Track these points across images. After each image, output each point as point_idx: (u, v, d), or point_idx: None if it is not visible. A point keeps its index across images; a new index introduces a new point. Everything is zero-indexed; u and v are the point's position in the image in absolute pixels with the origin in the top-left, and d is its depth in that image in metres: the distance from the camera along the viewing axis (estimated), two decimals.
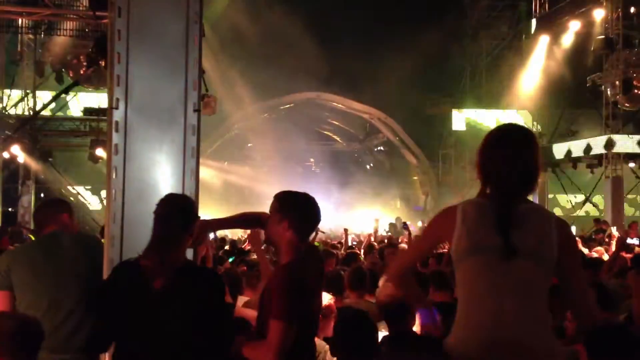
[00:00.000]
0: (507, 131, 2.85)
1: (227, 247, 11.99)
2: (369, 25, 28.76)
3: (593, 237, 15.62)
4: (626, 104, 21.98)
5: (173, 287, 3.23)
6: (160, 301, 3.20)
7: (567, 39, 23.96)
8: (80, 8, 11.88)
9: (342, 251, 10.57)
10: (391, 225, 24.09)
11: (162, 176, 4.26)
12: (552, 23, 24.35)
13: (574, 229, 17.19)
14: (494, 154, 2.74)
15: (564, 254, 2.67)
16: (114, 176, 4.15)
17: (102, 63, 5.08)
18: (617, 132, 21.29)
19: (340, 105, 34.08)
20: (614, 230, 12.65)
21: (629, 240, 11.08)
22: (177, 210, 3.44)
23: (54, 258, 3.93)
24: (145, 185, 4.19)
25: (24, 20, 17.02)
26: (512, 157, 2.70)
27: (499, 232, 2.61)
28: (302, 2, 26.65)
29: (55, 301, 3.77)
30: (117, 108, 4.17)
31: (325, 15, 28.05)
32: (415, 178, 35.09)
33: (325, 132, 41.67)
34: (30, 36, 21.50)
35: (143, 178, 4.22)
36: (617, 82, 21.35)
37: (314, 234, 3.69)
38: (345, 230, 13.67)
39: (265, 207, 3.81)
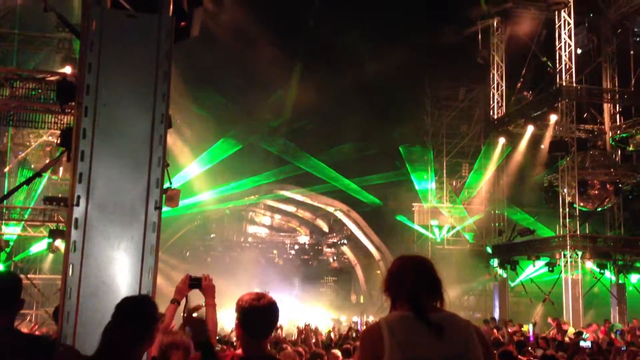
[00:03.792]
0: (414, 256, 3.09)
1: None
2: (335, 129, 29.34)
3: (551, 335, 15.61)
4: (582, 204, 22.63)
5: None
6: None
7: (524, 141, 24.83)
8: (45, 99, 11.95)
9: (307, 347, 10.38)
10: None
11: (120, 274, 4.23)
12: (508, 125, 25.29)
13: (530, 328, 17.27)
14: (404, 274, 2.97)
15: (487, 356, 2.85)
16: (70, 273, 4.10)
17: (65, 158, 5.11)
18: (574, 232, 21.75)
19: (304, 198, 34.34)
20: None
21: (582, 344, 11.12)
22: (132, 319, 3.22)
23: None
24: (101, 283, 4.16)
25: None
26: (420, 274, 2.95)
27: (433, 342, 2.75)
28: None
29: None
30: (77, 205, 4.19)
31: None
32: (379, 272, 35.05)
33: (289, 224, 41.75)
34: None
35: (99, 275, 4.18)
36: (572, 183, 22.04)
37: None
38: (307, 325, 13.48)
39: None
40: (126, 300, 3.37)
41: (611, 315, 22.24)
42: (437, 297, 2.94)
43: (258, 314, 3.22)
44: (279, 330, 15.50)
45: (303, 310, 32.50)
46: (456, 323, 2.85)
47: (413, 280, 2.92)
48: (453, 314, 2.91)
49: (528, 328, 17.15)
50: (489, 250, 26.19)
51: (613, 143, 24.91)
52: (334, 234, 39.70)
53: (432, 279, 2.97)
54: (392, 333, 2.76)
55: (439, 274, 3.00)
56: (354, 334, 13.64)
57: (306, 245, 41.19)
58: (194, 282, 4.51)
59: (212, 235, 37.35)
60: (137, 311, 3.28)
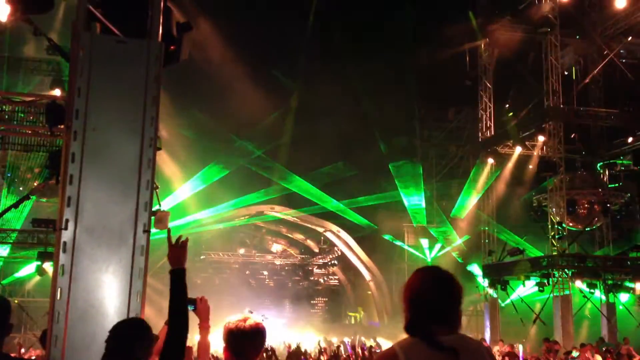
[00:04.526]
0: (434, 270, 2.97)
1: None
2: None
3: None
4: (570, 224, 22.77)
5: None
6: None
7: (512, 162, 25.01)
8: (35, 122, 11.97)
9: None
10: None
11: (108, 297, 4.24)
12: (497, 146, 25.47)
13: (521, 348, 17.30)
14: (422, 288, 2.85)
15: None
16: (58, 297, 4.11)
17: (54, 181, 5.14)
18: (564, 251, 21.87)
19: (294, 219, 34.32)
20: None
21: None
22: (128, 341, 3.26)
23: None
24: (90, 307, 4.16)
25: None
26: (439, 291, 2.83)
27: None
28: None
29: None
30: (66, 229, 4.21)
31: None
32: (370, 292, 34.98)
33: (280, 245, 41.70)
34: None
35: (88, 299, 4.19)
36: (561, 203, 22.20)
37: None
38: (298, 346, 13.48)
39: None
40: (121, 323, 3.42)
41: (602, 335, 22.26)
42: (455, 317, 2.85)
43: (245, 336, 3.25)
44: (270, 353, 15.46)
45: (293, 331, 32.36)
46: (469, 345, 2.81)
47: (434, 299, 2.83)
48: (464, 336, 2.86)
49: (519, 348, 17.17)
50: (475, 269, 26.28)
51: (601, 164, 25.14)
52: (324, 255, 39.66)
53: (453, 297, 2.86)
54: (408, 358, 2.71)
55: (461, 290, 2.89)
56: (342, 352, 13.61)
57: (296, 266, 41.11)
58: (188, 303, 4.52)
59: (202, 257, 37.20)
60: (132, 333, 3.32)
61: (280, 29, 26.23)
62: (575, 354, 14.00)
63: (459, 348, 2.74)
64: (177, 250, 3.57)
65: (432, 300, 2.83)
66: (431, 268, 3.00)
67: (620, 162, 25.07)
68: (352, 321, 37.91)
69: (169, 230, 3.85)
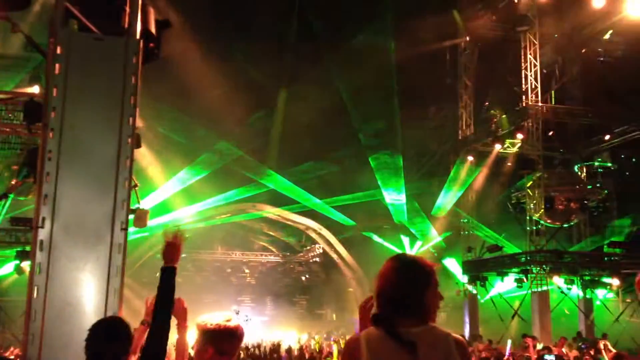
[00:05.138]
0: (408, 261, 2.91)
1: None
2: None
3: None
4: (548, 221, 23.02)
5: None
6: None
7: (491, 159, 25.20)
8: (13, 119, 11.85)
9: None
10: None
11: (85, 295, 4.24)
12: (476, 144, 25.66)
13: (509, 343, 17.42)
14: (396, 280, 2.81)
15: None
16: (34, 295, 4.10)
17: (32, 179, 5.11)
18: (542, 248, 22.11)
19: (276, 217, 34.31)
20: None
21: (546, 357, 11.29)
22: (108, 339, 3.26)
23: None
24: (67, 305, 4.16)
25: None
26: (406, 282, 2.79)
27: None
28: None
29: None
30: (42, 227, 4.20)
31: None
32: (351, 290, 35.08)
33: (261, 243, 41.64)
34: None
35: (65, 297, 4.19)
36: (539, 200, 22.43)
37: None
38: (278, 343, 13.51)
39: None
40: (101, 322, 3.42)
41: (579, 330, 22.54)
42: (422, 308, 2.77)
43: (232, 335, 3.34)
44: (253, 350, 15.48)
45: (275, 329, 32.38)
46: (434, 338, 2.75)
47: (395, 288, 2.79)
48: (432, 327, 2.78)
49: (507, 344, 17.30)
50: (454, 266, 26.48)
51: (578, 164, 25.45)
52: (305, 252, 39.70)
53: (417, 286, 2.79)
54: (369, 348, 2.72)
55: (433, 278, 2.82)
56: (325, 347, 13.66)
57: (278, 264, 41.11)
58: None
59: (183, 255, 36.98)
60: (112, 332, 3.32)
61: (263, 27, 26.16)
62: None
63: (420, 341, 2.70)
64: (173, 246, 3.56)
65: (395, 291, 2.80)
66: (397, 257, 2.95)
67: (599, 163, 25.45)
68: (334, 318, 38.01)
69: (166, 228, 3.84)
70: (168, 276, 3.41)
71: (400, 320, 2.74)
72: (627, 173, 26.78)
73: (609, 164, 25.82)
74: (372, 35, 26.27)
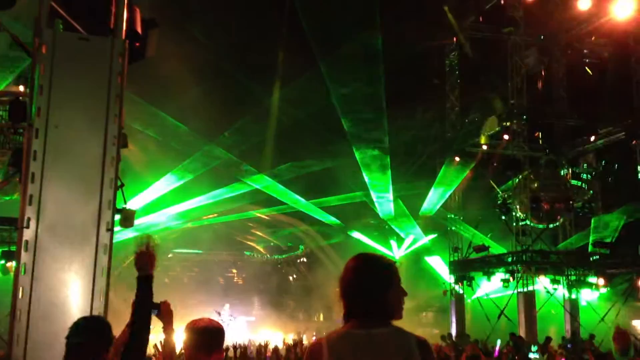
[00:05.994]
0: (363, 259, 2.91)
1: None
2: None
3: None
4: (534, 221, 23.15)
5: None
6: None
7: (477, 160, 25.28)
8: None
9: None
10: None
11: (71, 296, 4.23)
12: (463, 144, 25.75)
13: (498, 342, 17.54)
14: (355, 280, 2.82)
15: None
16: (19, 296, 4.09)
17: (17, 179, 5.08)
18: (528, 247, 22.23)
19: (264, 217, 34.29)
20: None
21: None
22: (90, 340, 3.25)
23: None
24: (52, 305, 4.15)
25: None
26: (365, 283, 2.79)
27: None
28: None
29: None
30: (27, 227, 4.18)
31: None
32: (339, 289, 35.04)
33: (249, 243, 41.59)
34: None
35: (50, 298, 4.18)
36: (525, 200, 22.55)
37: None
38: (266, 343, 13.48)
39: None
40: (81, 320, 3.41)
41: (565, 331, 22.69)
42: (385, 308, 2.77)
43: (211, 333, 3.45)
44: (240, 350, 15.43)
45: (262, 329, 32.34)
46: (396, 338, 2.74)
47: (360, 288, 2.78)
48: (396, 329, 2.78)
49: (496, 344, 17.41)
50: (440, 265, 26.60)
51: (564, 164, 25.61)
52: (293, 253, 39.70)
53: (382, 286, 2.77)
54: (331, 352, 2.71)
55: (396, 278, 2.80)
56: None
57: (266, 264, 41.08)
58: (152, 308, 4.52)
59: (169, 255, 36.92)
60: (93, 330, 3.32)
61: (254, 28, 26.11)
62: (534, 348, 14.25)
63: (381, 342, 2.70)
64: (145, 256, 3.55)
65: (357, 291, 2.80)
66: (358, 257, 2.93)
67: (584, 164, 25.65)
68: (322, 318, 38.03)
69: (138, 237, 3.84)
70: (143, 286, 3.41)
71: (363, 321, 2.74)
72: (612, 173, 26.99)
73: (594, 165, 26.01)
74: (360, 34, 26.24)
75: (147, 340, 3.37)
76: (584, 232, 24.10)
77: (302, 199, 30.22)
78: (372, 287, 2.79)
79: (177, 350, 4.01)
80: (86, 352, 3.20)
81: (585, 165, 25.84)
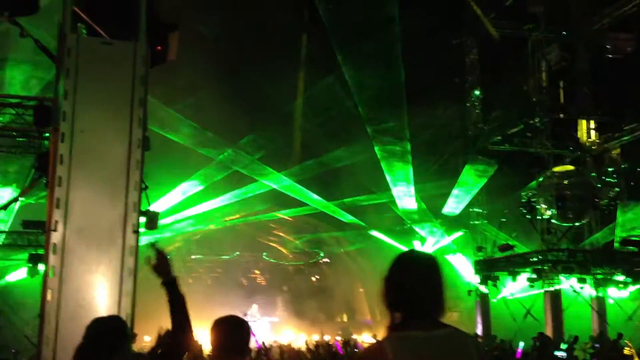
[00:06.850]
0: (416, 256, 2.83)
1: None
2: None
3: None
4: (560, 219, 22.88)
5: None
6: None
7: (501, 158, 25.06)
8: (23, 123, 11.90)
9: None
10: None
11: (98, 298, 4.27)
12: (486, 143, 25.54)
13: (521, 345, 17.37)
14: (406, 278, 2.70)
15: None
16: (48, 298, 4.14)
17: (43, 182, 5.16)
18: (553, 246, 21.99)
19: (286, 219, 34.32)
20: None
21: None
22: (100, 338, 3.26)
23: None
24: (80, 307, 4.19)
25: None
26: (424, 281, 2.68)
27: None
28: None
29: None
30: (55, 230, 4.23)
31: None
32: (362, 290, 35.03)
33: (271, 244, 41.65)
34: None
35: (78, 299, 4.22)
36: (550, 199, 22.30)
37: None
38: (289, 345, 13.52)
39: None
40: (96, 320, 3.42)
41: (592, 330, 22.40)
42: (442, 307, 2.68)
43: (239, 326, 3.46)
44: (264, 352, 15.50)
45: (285, 330, 32.41)
46: (458, 340, 2.68)
47: (416, 289, 2.67)
48: (456, 329, 2.71)
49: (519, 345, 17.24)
50: (465, 266, 26.40)
51: (589, 161, 25.27)
52: (316, 254, 39.68)
53: (438, 284, 2.70)
54: (395, 354, 2.56)
55: (444, 276, 2.72)
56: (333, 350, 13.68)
57: (288, 266, 41.11)
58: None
59: (192, 257, 37.15)
60: (106, 329, 3.33)
61: (274, 31, 26.14)
62: (564, 346, 14.09)
63: (446, 345, 2.63)
64: (159, 265, 3.55)
65: (413, 291, 2.68)
66: (408, 255, 2.83)
67: (609, 161, 25.27)
68: (345, 319, 37.97)
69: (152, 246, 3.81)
70: (171, 288, 3.42)
71: (421, 321, 2.64)
72: (638, 170, 26.57)
73: (619, 161, 25.63)
74: (379, 32, 26.13)
75: (188, 340, 3.42)
76: (608, 228, 23.76)
77: (323, 200, 30.19)
78: (436, 285, 2.71)
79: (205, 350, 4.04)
80: (86, 352, 3.19)
81: (610, 162, 25.45)
